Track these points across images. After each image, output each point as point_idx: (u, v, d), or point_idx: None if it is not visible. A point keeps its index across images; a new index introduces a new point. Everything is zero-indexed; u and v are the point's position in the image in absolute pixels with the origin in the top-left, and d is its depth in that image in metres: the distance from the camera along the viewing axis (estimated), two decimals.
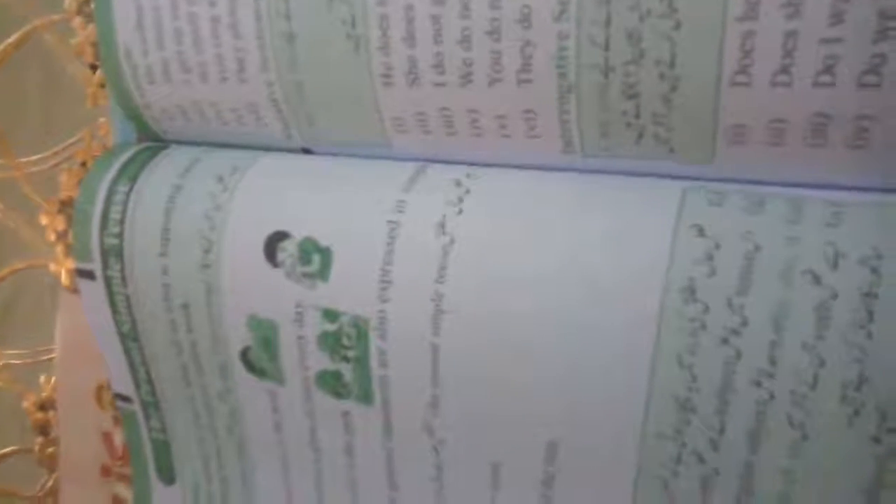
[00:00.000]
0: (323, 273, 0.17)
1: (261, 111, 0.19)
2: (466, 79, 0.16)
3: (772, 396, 0.13)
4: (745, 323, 0.13)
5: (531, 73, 0.15)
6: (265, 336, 0.18)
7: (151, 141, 0.22)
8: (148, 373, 0.21)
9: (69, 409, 0.26)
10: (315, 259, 0.17)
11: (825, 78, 0.13)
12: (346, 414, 0.18)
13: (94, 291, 0.21)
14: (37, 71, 0.27)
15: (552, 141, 0.16)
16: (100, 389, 0.25)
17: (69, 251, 0.26)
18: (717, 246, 0.14)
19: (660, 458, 0.14)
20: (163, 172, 0.20)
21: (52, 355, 0.27)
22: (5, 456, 0.29)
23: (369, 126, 0.18)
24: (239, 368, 0.19)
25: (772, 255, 0.13)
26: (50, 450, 0.28)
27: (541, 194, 0.16)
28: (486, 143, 0.17)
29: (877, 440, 0.12)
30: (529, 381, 0.15)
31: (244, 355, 0.19)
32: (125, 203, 0.20)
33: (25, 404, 0.28)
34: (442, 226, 0.16)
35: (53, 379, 0.27)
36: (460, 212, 0.16)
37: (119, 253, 0.20)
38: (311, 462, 0.20)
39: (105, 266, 0.20)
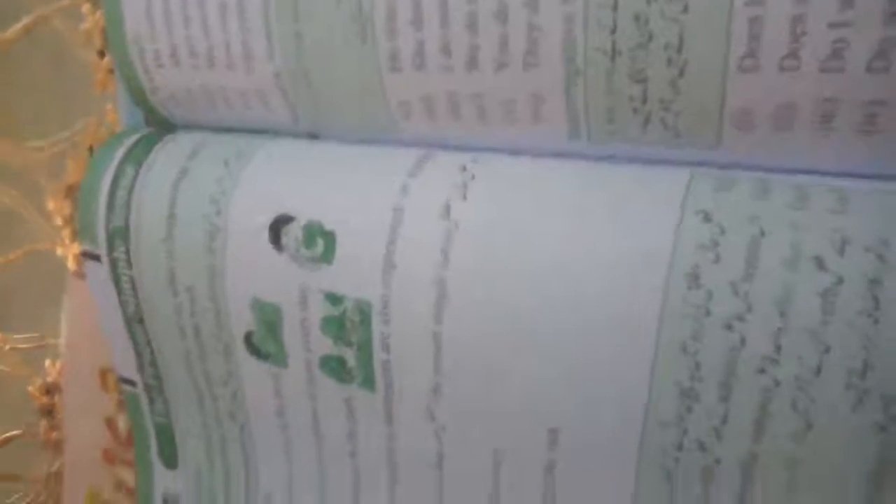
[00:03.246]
0: (327, 256, 0.17)
1: (268, 96, 0.19)
2: (472, 63, 0.16)
3: (776, 383, 0.13)
4: (749, 309, 0.13)
5: (538, 56, 0.15)
6: (269, 319, 0.18)
7: (158, 126, 0.22)
8: (152, 355, 0.22)
9: (74, 393, 0.26)
10: (319, 242, 0.17)
11: (834, 63, 0.13)
12: (348, 399, 0.18)
13: (100, 273, 0.21)
14: (45, 57, 0.27)
15: (558, 126, 0.16)
16: (104, 373, 0.26)
17: (76, 236, 0.26)
18: (723, 231, 0.14)
19: (662, 446, 0.14)
20: (169, 156, 0.20)
21: (59, 339, 0.27)
22: (10, 439, 0.29)
23: (375, 111, 0.18)
24: (242, 352, 0.19)
25: (777, 241, 0.13)
26: (55, 434, 0.28)
27: (546, 180, 0.16)
28: (492, 129, 0.17)
29: (881, 427, 0.12)
30: (531, 368, 0.15)
31: (248, 339, 0.19)
32: (131, 186, 0.20)
33: (31, 388, 0.28)
34: (447, 211, 0.16)
35: (59, 363, 0.28)
36: (465, 197, 0.16)
37: (124, 235, 0.20)
38: (314, 447, 0.20)
39: (110, 248, 0.20)
